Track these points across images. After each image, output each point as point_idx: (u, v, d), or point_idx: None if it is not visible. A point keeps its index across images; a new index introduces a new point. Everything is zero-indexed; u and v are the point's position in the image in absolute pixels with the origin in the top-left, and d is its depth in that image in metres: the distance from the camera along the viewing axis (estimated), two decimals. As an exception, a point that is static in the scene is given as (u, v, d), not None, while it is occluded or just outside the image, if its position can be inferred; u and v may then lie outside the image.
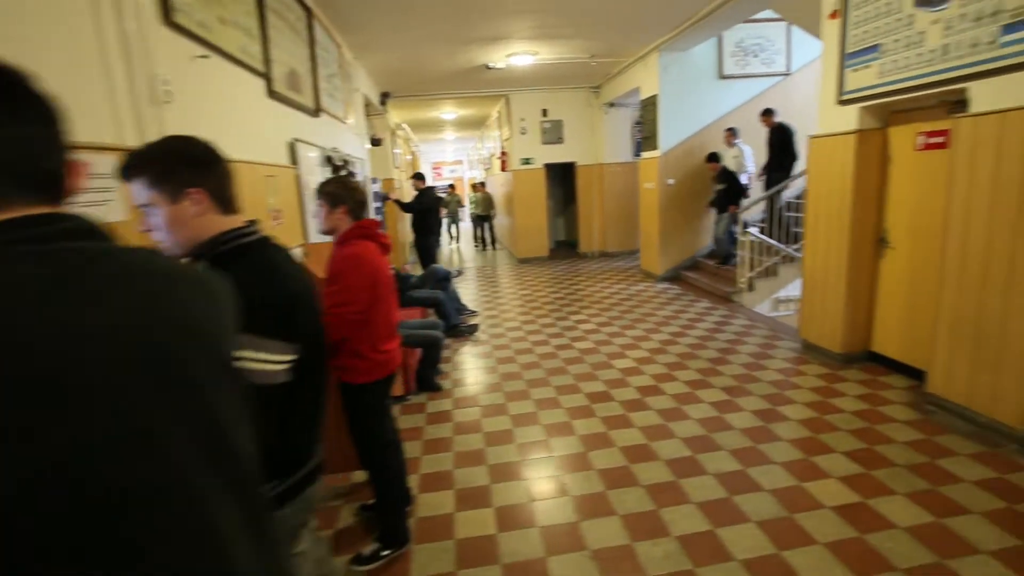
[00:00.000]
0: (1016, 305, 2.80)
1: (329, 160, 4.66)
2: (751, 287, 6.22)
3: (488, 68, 7.52)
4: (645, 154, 7.92)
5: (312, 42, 4.45)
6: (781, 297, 6.54)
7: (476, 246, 13.47)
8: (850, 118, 3.84)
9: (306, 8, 4.37)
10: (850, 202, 3.90)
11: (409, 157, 14.04)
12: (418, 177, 7.58)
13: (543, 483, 2.90)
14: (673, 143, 7.34)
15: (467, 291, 7.96)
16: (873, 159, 3.86)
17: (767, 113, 6.55)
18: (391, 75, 7.93)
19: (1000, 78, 2.77)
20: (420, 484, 2.97)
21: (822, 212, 4.21)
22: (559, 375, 4.43)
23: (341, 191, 2.20)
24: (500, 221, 12.98)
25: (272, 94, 3.41)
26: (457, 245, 14.11)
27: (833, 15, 3.88)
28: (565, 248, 11.84)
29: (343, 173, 5.01)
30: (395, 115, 11.19)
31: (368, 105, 8.30)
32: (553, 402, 3.92)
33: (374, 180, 7.07)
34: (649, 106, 7.54)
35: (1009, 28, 2.70)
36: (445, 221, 13.14)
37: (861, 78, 3.69)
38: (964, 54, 2.94)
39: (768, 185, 6.57)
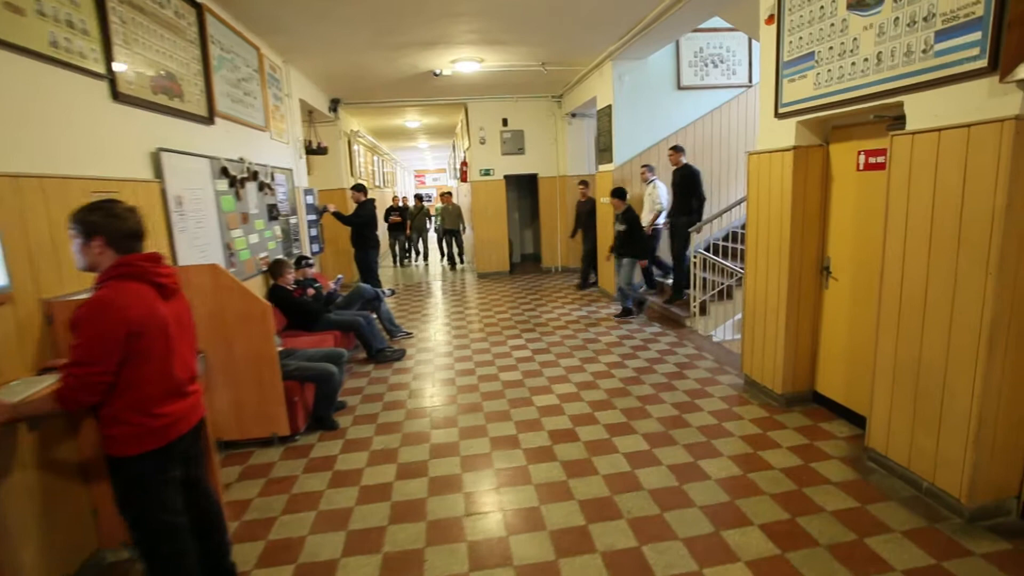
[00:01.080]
0: (958, 357, 2.39)
1: (225, 172, 4.20)
2: (704, 311, 5.81)
3: (435, 75, 7.11)
4: (601, 167, 7.54)
5: (204, 41, 4.01)
6: (738, 320, 6.14)
7: (443, 263, 11.98)
8: (788, 133, 3.45)
9: (195, 4, 3.93)
10: (789, 226, 3.50)
11: (371, 167, 13.57)
12: (357, 188, 7.14)
13: (406, 559, 2.44)
14: (629, 155, 6.95)
15: (408, 311, 7.50)
16: (813, 179, 3.46)
17: (676, 150, 6.15)
18: (336, 81, 7.51)
19: (936, 91, 2.38)
20: (261, 554, 2.50)
21: (762, 236, 3.81)
22: (491, 400, 4.02)
23: (97, 218, 1.73)
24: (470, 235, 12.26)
25: (120, 97, 2.96)
26: (425, 263, 12.85)
27: (769, 20, 3.49)
28: (531, 262, 11.45)
29: (243, 179, 4.55)
30: (355, 122, 10.77)
31: (312, 112, 7.88)
32: (474, 431, 3.48)
33: (307, 191, 6.61)
34: (604, 117, 7.16)
35: (943, 35, 2.31)
36: (413, 236, 12.40)
37: (798, 89, 3.30)
38: (898, 63, 2.54)
39: (672, 231, 6.28)
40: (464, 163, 10.26)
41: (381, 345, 5.33)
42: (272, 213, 5.22)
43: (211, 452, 2.50)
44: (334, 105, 8.72)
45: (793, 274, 3.55)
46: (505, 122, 9.49)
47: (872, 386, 2.88)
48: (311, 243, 6.64)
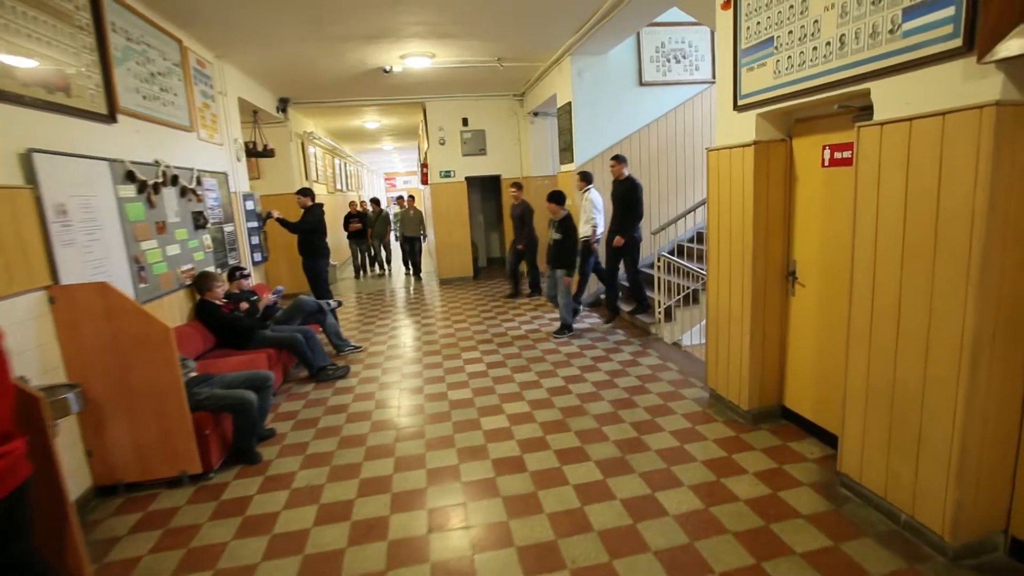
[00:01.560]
0: (937, 376, 2.11)
1: (132, 176, 3.73)
2: (669, 316, 5.53)
3: (386, 72, 6.71)
4: (563, 167, 7.23)
5: (101, 29, 3.54)
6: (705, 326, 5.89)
7: (406, 272, 11.06)
8: (747, 127, 3.16)
9: (87, -14, 3.46)
10: (751, 228, 3.21)
11: (331, 170, 13.05)
12: (303, 193, 6.67)
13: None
14: (591, 154, 6.65)
15: (361, 323, 7.07)
16: (776, 177, 3.18)
17: (618, 160, 5.68)
18: (281, 79, 7.04)
19: (905, 76, 2.10)
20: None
21: (723, 239, 3.52)
22: (436, 424, 3.64)
23: None
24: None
25: (-28, 88, 2.50)
26: (388, 270, 11.78)
27: (725, 4, 3.21)
28: (498, 266, 11.09)
29: (157, 184, 4.08)
30: (309, 124, 10.27)
31: (257, 112, 7.40)
32: (413, 461, 3.09)
33: (247, 196, 6.13)
34: (564, 115, 6.85)
35: (911, 12, 2.03)
36: (375, 243, 11.48)
37: (757, 79, 3.01)
38: (863, 47, 2.26)
39: (608, 248, 5.85)
40: (425, 165, 9.85)
41: (323, 363, 4.89)
42: (199, 221, 4.75)
43: (70, 523, 2.07)
44: (283, 105, 8.23)
45: (757, 280, 3.26)
46: (465, 122, 9.12)
47: (843, 405, 2.60)
48: (252, 252, 6.17)
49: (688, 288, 5.45)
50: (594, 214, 5.96)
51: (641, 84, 6.64)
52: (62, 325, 2.94)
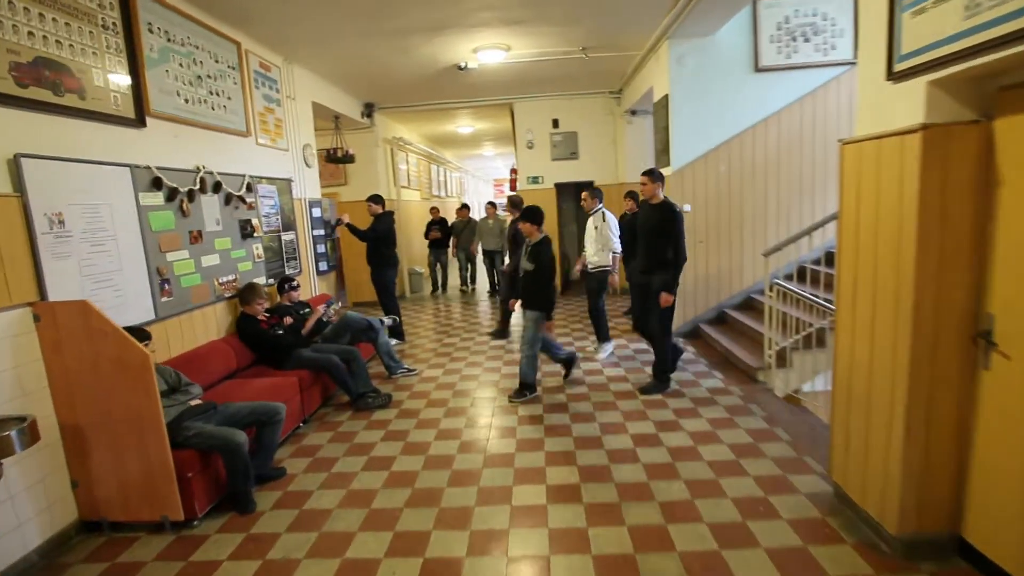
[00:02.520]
0: None
1: (158, 183, 3.50)
2: (785, 361, 4.30)
3: (461, 69, 6.19)
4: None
5: (131, 31, 3.34)
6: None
7: (488, 291, 9.59)
8: (910, 104, 2.05)
9: (117, -19, 3.27)
10: (912, 257, 2.08)
11: (426, 176, 12.98)
12: (374, 200, 6.37)
13: None
14: (690, 157, 5.56)
15: (424, 344, 6.58)
16: (961, 179, 2.03)
17: (652, 177, 4.18)
18: (358, 83, 6.85)
19: None
20: None
21: (863, 271, 2.40)
22: (457, 489, 2.93)
23: None
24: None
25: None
26: (468, 287, 9.93)
27: (880, -81, 2.12)
28: (574, 284, 10.12)
29: (192, 192, 3.85)
30: (403, 129, 10.19)
31: (339, 117, 7.30)
32: (416, 540, 2.42)
33: (314, 203, 5.93)
34: (661, 110, 5.83)
35: None
36: (459, 256, 9.72)
37: (930, 24, 1.91)
38: None
39: (643, 291, 4.38)
40: (514, 170, 9.27)
41: (364, 389, 4.42)
42: (246, 230, 4.52)
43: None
44: (368, 110, 8.11)
45: (921, 337, 2.11)
46: (556, 123, 8.37)
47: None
48: (317, 261, 5.96)
49: (810, 326, 4.19)
50: (613, 240, 5.15)
51: (757, 70, 5.41)
52: (47, 345, 2.68)
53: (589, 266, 5.38)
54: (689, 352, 5.28)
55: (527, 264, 4.33)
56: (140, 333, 2.86)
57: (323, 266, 6.03)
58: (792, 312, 4.27)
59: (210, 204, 4.08)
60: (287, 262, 5.27)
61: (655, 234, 4.17)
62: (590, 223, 5.42)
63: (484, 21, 4.87)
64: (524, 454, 3.41)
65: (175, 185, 3.65)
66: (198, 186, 3.91)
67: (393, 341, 6.06)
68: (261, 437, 3.23)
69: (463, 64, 6.09)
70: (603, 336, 5.44)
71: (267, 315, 4.35)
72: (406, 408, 4.34)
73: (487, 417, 4.05)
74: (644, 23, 5.14)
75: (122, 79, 3.28)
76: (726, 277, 5.76)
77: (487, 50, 5.62)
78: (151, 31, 3.55)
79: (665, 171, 5.83)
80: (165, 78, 3.69)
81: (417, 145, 11.12)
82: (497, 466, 3.27)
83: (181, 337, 3.72)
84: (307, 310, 4.81)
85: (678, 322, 5.49)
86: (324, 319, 4.79)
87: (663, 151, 5.88)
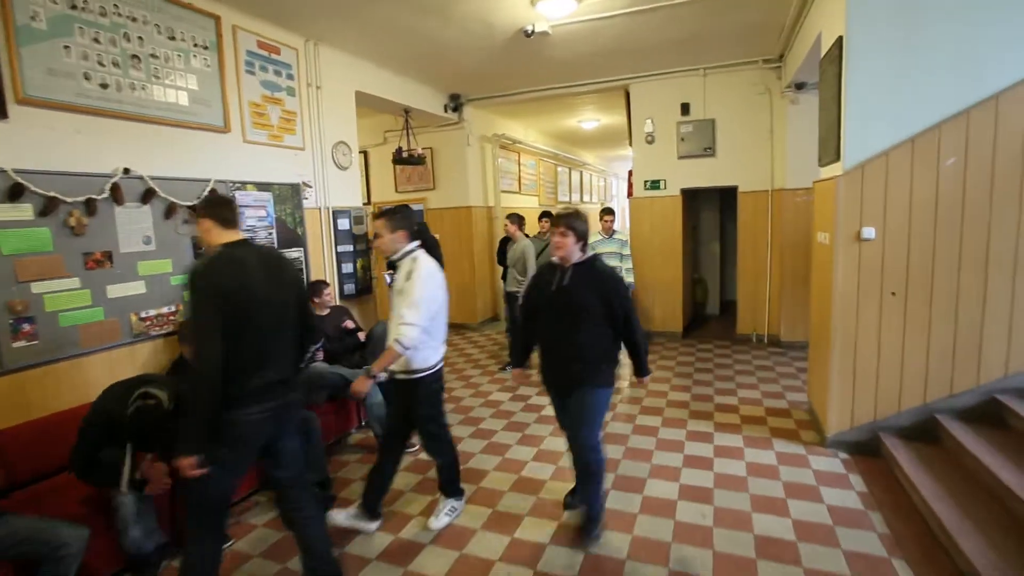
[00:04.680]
0: None
1: (19, 191, 2.64)
2: None
3: (528, 36, 4.59)
4: (823, 170, 3.81)
5: (-10, -15, 2.52)
6: None
7: None
8: None
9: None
10: None
11: (546, 178, 11.46)
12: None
13: None
14: (878, 145, 3.16)
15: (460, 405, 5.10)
16: None
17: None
18: (417, 67, 5.69)
19: None
20: None
21: None
22: None
23: None
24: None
25: None
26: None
27: None
28: (730, 313, 7.63)
29: (93, 201, 2.95)
30: (509, 126, 8.89)
31: (409, 111, 6.28)
32: None
33: (341, 213, 4.88)
34: (830, 69, 3.49)
35: None
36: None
37: None
38: None
39: None
40: (631, 173, 7.30)
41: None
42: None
43: None
44: (454, 103, 6.94)
45: None
46: (685, 109, 6.22)
47: None
48: (342, 283, 4.92)
49: None
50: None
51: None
52: None
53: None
54: (853, 476, 2.96)
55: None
56: None
57: (350, 288, 4.97)
58: None
59: (134, 217, 3.18)
60: (285, 286, 4.28)
61: None
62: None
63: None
64: None
65: (53, 194, 2.78)
66: (108, 195, 3.03)
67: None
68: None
69: (529, 29, 4.48)
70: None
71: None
72: (402, 542, 2.93)
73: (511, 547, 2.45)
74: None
75: (-37, 53, 2.47)
76: (946, 358, 3.20)
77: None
78: (30, -5, 2.72)
79: (831, 171, 3.51)
80: (62, 56, 2.84)
81: (533, 144, 9.72)
82: None
83: (56, 393, 2.85)
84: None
85: (841, 423, 3.17)
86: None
87: (829, 134, 3.53)
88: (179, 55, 3.46)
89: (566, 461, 3.35)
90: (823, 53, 3.67)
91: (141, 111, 3.23)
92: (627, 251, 5.69)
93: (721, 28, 4.82)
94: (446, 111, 6.88)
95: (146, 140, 3.27)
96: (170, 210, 3.38)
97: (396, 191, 8.00)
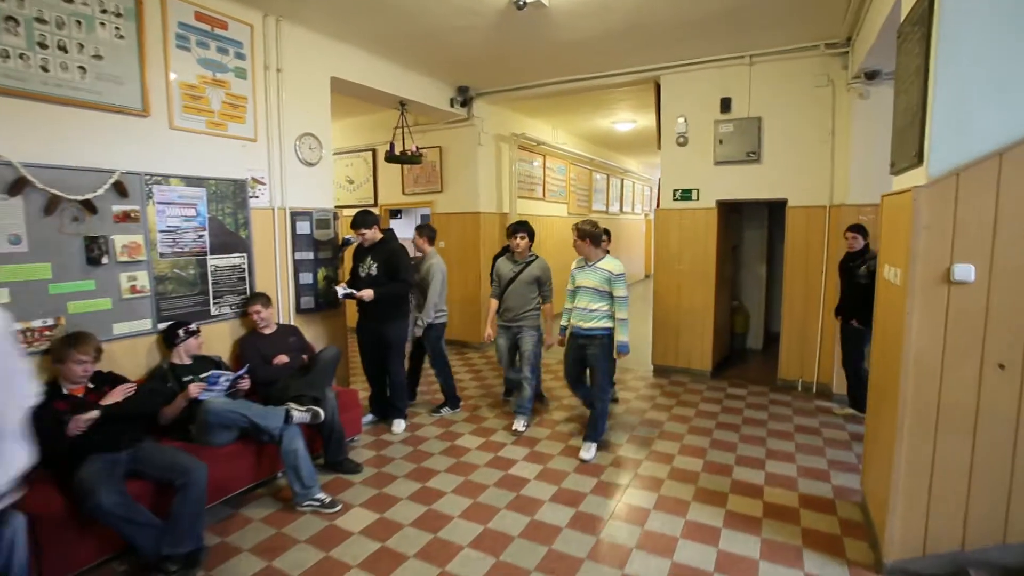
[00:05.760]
0: None
1: None
2: None
3: (519, 8, 3.78)
4: (896, 179, 2.78)
5: None
6: None
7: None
8: None
9: None
10: None
11: (577, 184, 10.54)
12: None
13: None
14: (984, 145, 2.14)
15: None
16: None
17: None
18: (403, 48, 4.99)
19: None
20: None
21: None
22: None
23: None
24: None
25: None
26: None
27: None
28: (774, 347, 6.44)
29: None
30: (533, 125, 8.10)
31: (404, 104, 5.62)
32: None
33: (301, 215, 4.23)
34: (911, 44, 2.48)
35: None
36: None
37: None
38: None
39: None
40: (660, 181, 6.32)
41: (171, 550, 2.47)
42: (97, 251, 3.00)
43: None
44: (462, 97, 6.22)
45: None
46: (726, 105, 5.21)
47: None
48: (298, 296, 4.26)
49: None
50: None
51: None
52: None
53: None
54: None
55: None
56: None
57: (307, 302, 4.31)
58: None
59: (-4, 211, 2.63)
60: (219, 298, 3.66)
61: None
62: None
63: None
64: None
65: None
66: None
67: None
68: None
69: (520, 0, 3.68)
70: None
71: (89, 385, 2.75)
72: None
73: None
74: None
75: None
76: None
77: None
78: None
79: (909, 178, 2.50)
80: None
81: (562, 147, 8.87)
82: None
83: None
84: (209, 373, 3.11)
85: (908, 545, 2.17)
86: (197, 398, 3.01)
87: (906, 130, 2.51)
88: (78, 21, 2.89)
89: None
90: (900, 23, 2.66)
91: (14, 84, 2.67)
92: (621, 289, 3.57)
93: (767, 3, 3.84)
94: (452, 105, 6.16)
95: (20, 119, 2.70)
96: (51, 204, 2.80)
97: (403, 193, 7.37)
